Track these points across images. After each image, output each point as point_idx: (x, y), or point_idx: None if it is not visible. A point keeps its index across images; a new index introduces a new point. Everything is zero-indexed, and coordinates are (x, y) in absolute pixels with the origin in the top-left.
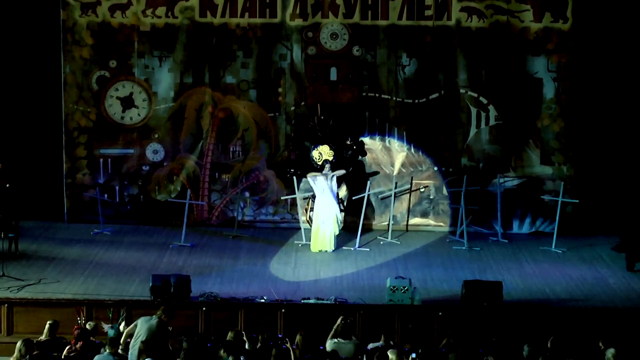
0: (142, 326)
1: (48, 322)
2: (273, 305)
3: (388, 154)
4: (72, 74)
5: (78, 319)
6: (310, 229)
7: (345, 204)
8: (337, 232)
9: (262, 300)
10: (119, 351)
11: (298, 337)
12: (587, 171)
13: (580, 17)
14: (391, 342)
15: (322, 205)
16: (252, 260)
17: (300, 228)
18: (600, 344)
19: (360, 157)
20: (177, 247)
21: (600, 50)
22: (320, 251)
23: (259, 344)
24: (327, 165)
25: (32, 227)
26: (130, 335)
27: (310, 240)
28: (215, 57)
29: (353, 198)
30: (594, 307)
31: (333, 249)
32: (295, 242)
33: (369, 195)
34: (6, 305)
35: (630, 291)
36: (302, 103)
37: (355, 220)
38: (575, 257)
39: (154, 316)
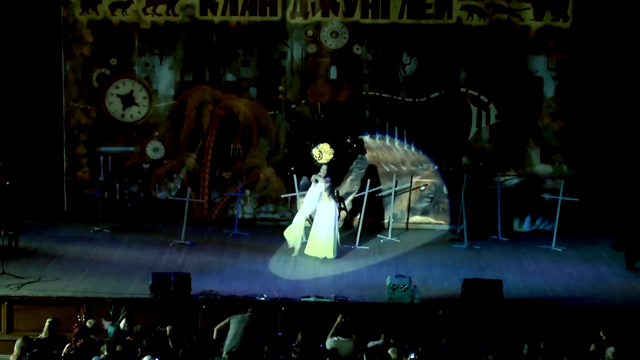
0: (236, 325)
1: (48, 320)
2: (273, 304)
3: (388, 152)
4: (73, 72)
5: (78, 316)
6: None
7: (345, 204)
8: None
9: (262, 299)
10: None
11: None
12: (587, 170)
13: (581, 15)
14: (391, 341)
15: (321, 215)
16: (252, 259)
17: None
18: (601, 334)
19: (359, 155)
20: (177, 245)
21: (601, 49)
22: (317, 258)
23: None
24: (324, 169)
25: (32, 225)
26: (219, 332)
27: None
28: (215, 55)
29: (354, 196)
30: (594, 306)
31: (333, 256)
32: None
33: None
34: (6, 303)
35: (630, 290)
36: (303, 101)
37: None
38: (575, 255)
39: (246, 315)
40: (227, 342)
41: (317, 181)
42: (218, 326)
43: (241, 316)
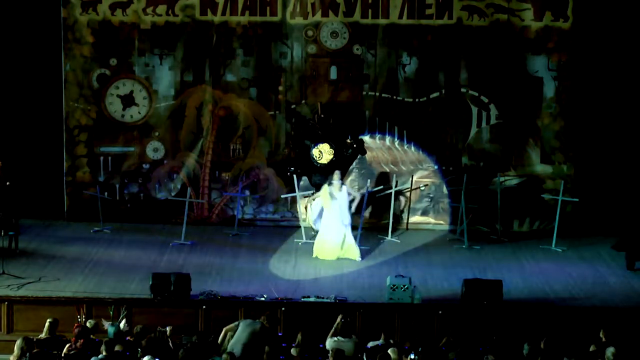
0: (243, 329)
1: (48, 320)
2: (273, 304)
3: (388, 152)
4: (73, 72)
5: (78, 317)
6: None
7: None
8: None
9: (262, 299)
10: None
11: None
12: (587, 170)
13: (581, 16)
14: (391, 341)
15: (333, 218)
16: (252, 259)
17: (300, 226)
18: (601, 335)
19: (360, 155)
20: (177, 246)
21: (601, 49)
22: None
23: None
24: (337, 174)
25: (32, 225)
26: (226, 333)
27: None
28: (215, 55)
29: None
30: (594, 306)
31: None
32: (295, 240)
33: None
34: (6, 303)
35: (630, 290)
36: (303, 101)
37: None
38: (575, 255)
39: (257, 320)
40: (230, 343)
41: (331, 184)
42: (227, 327)
43: (251, 321)
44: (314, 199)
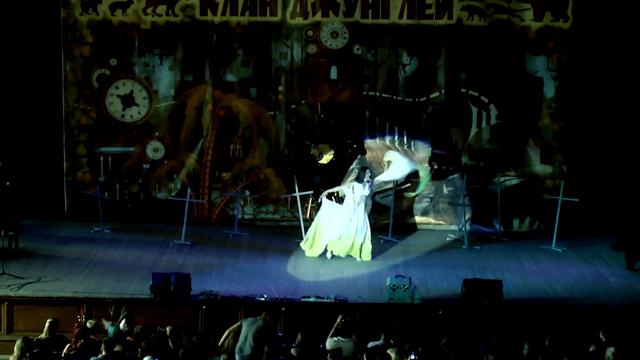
0: (248, 328)
1: (48, 320)
2: (273, 304)
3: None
4: (73, 72)
5: (78, 317)
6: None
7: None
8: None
9: (262, 299)
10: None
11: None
12: (587, 170)
13: (581, 16)
14: (391, 341)
15: (349, 215)
16: (252, 259)
17: (300, 226)
18: (601, 336)
19: (360, 155)
20: (177, 246)
21: (601, 50)
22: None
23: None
24: (367, 172)
25: (32, 225)
26: (229, 334)
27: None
28: (215, 55)
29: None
30: (594, 306)
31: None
32: (296, 240)
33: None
34: (6, 303)
35: (630, 290)
36: (303, 102)
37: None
38: (575, 255)
39: (258, 318)
40: (238, 345)
41: (361, 181)
42: (230, 328)
43: (253, 319)
44: (339, 193)
